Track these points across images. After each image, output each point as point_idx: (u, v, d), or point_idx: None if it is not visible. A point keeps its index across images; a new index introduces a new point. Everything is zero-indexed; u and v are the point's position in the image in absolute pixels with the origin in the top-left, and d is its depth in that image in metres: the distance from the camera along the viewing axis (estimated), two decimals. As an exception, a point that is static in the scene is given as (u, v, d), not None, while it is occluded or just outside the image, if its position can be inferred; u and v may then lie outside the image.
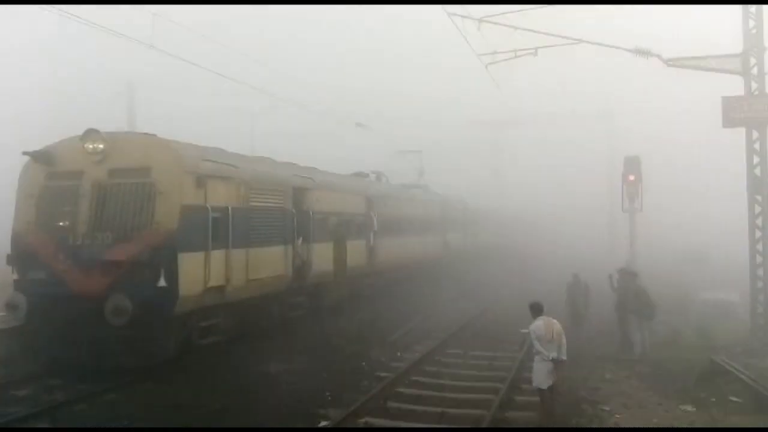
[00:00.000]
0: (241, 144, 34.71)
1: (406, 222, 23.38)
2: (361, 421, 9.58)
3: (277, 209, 14.04)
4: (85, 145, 11.32)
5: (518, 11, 17.21)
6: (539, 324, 9.62)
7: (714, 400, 11.15)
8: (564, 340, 9.59)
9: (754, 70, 15.89)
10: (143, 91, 42.94)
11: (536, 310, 9.88)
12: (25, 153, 11.80)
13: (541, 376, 9.46)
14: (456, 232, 31.41)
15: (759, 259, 16.00)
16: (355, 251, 18.42)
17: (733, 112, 15.77)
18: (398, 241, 22.20)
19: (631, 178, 21.25)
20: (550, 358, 9.39)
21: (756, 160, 15.98)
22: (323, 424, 9.51)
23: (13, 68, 47.46)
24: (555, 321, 9.83)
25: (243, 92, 23.88)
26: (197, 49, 21.83)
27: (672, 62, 17.09)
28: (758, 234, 16.06)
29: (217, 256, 11.59)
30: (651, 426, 9.97)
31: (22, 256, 11.29)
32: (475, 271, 31.13)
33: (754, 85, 15.90)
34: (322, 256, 16.09)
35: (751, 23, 15.86)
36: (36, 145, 12.00)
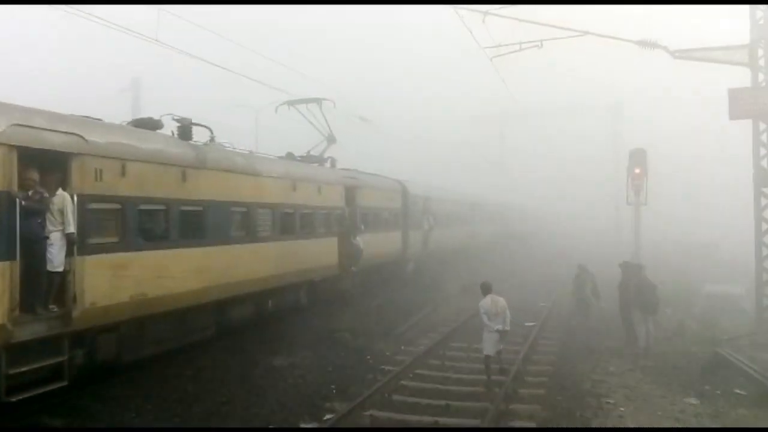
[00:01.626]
0: (246, 139, 34.59)
1: (214, 214, 12.19)
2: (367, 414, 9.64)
3: None
4: None
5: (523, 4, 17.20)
6: (487, 300, 11.39)
7: (719, 392, 11.18)
8: (508, 314, 11.41)
9: (762, 62, 15.79)
10: (148, 85, 42.76)
11: (485, 289, 11.60)
12: None
13: (488, 345, 11.29)
14: (383, 230, 21.40)
15: (765, 251, 15.96)
16: None
17: (739, 104, 15.68)
18: (177, 253, 11.18)
19: (637, 171, 21.19)
20: (495, 329, 11.19)
21: (763, 152, 15.92)
22: (328, 417, 9.53)
23: (15, 62, 46.94)
24: (501, 298, 11.56)
25: (246, 86, 22.92)
26: (201, 42, 21.36)
27: (678, 54, 17.00)
28: (765, 226, 16.02)
29: None
30: (655, 418, 9.99)
31: None
32: (394, 294, 20.71)
33: (761, 77, 15.81)
34: None
35: (759, 14, 15.75)
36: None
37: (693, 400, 10.81)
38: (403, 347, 14.33)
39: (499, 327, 11.27)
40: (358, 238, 18.55)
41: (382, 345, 14.43)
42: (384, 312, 17.92)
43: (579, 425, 9.56)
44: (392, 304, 19.32)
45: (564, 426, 9.51)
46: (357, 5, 58.40)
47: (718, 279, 23.91)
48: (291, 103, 19.07)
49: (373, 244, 19.77)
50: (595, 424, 9.67)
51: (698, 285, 22.88)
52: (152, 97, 43.75)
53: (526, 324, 16.96)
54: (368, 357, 13.39)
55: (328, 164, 19.22)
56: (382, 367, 12.42)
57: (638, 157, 21.53)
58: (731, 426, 9.69)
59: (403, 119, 45.59)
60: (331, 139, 19.30)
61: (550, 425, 9.47)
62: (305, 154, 18.56)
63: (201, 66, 18.83)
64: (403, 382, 11.41)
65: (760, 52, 15.75)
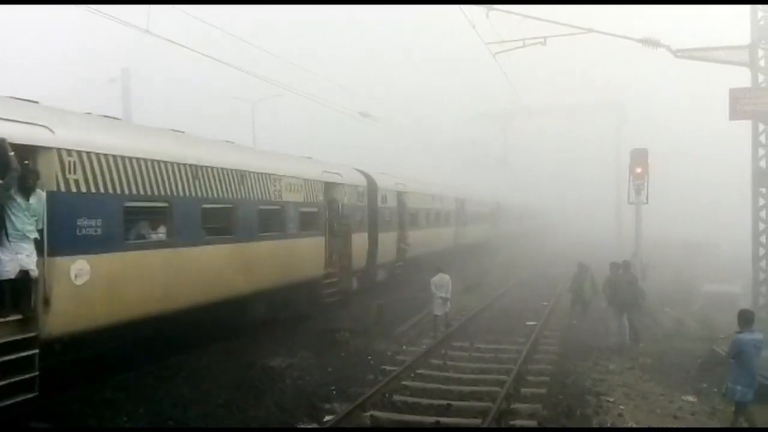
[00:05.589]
0: (242, 134, 34.34)
1: None
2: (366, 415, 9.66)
3: None
4: None
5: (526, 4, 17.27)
6: (437, 277, 15.63)
7: (715, 390, 11.26)
8: (450, 286, 15.60)
9: (762, 62, 15.88)
10: (138, 77, 41.15)
11: (437, 269, 15.88)
12: None
13: (436, 307, 15.46)
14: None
15: (762, 251, 16.09)
16: None
17: (739, 105, 15.76)
18: None
19: (638, 170, 21.20)
20: (440, 296, 15.31)
21: (761, 152, 16.03)
22: (328, 418, 9.48)
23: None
24: (446, 275, 15.69)
25: (244, 80, 21.82)
26: (195, 33, 20.39)
27: (680, 53, 17.09)
28: (762, 226, 16.13)
29: None
30: (654, 416, 10.11)
31: None
32: None
33: (761, 77, 15.90)
34: None
35: (760, 14, 15.83)
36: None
37: (690, 398, 10.96)
38: (404, 347, 14.39)
39: (443, 294, 15.36)
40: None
41: (383, 345, 14.44)
42: (385, 311, 17.70)
43: (579, 424, 9.64)
44: (394, 302, 19.22)
45: (564, 424, 9.59)
46: (359, 5, 57.95)
47: (716, 278, 24.03)
48: None
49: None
50: (595, 422, 9.76)
51: (697, 284, 22.99)
52: (143, 88, 42.80)
53: (528, 323, 17.08)
54: (369, 357, 13.39)
55: None
56: (383, 367, 12.42)
57: (640, 157, 21.56)
58: (729, 425, 9.80)
59: (404, 115, 45.18)
60: None
61: (550, 424, 9.55)
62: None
63: (195, 57, 17.86)
64: (404, 382, 11.44)
65: (760, 53, 15.84)
